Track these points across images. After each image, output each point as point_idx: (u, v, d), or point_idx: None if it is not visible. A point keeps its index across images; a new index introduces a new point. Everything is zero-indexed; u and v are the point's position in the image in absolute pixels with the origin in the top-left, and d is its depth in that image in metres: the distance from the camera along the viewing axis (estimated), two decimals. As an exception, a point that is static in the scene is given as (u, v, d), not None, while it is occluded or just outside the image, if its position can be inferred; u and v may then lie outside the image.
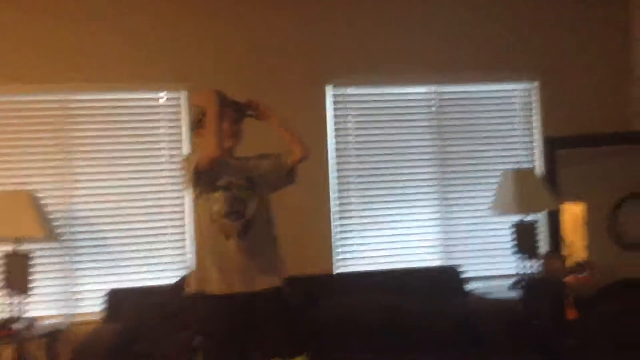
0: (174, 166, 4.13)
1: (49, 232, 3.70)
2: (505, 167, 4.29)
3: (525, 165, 4.43)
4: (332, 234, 4.27)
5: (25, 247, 3.69)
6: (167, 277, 4.02)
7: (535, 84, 4.52)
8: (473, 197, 4.44)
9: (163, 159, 4.15)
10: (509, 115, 4.56)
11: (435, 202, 4.43)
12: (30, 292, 3.65)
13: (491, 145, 4.51)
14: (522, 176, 4.14)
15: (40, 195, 3.80)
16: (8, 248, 3.65)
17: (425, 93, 4.47)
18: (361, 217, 4.35)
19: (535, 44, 4.53)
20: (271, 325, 2.64)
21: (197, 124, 2.72)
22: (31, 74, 3.97)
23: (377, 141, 4.39)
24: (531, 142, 4.54)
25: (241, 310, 2.62)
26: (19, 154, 3.97)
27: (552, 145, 4.46)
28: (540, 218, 4.40)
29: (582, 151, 4.45)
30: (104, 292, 3.80)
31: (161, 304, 3.63)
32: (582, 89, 4.53)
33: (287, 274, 2.75)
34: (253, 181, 2.73)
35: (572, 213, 4.50)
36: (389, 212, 4.37)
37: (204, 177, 2.65)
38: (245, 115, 2.80)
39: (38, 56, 3.99)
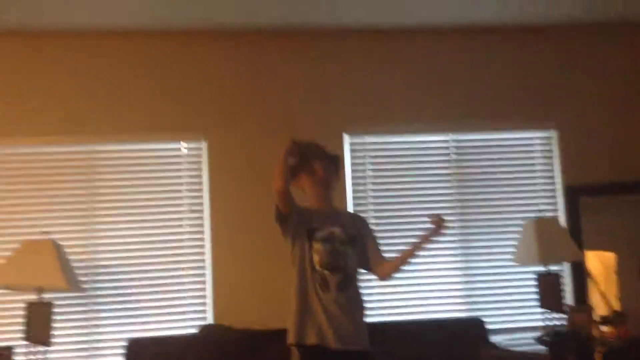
0: (195, 215, 4.17)
1: (72, 281, 3.72)
2: (527, 216, 4.24)
3: (547, 214, 4.38)
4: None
5: (47, 296, 3.72)
6: (187, 326, 4.01)
7: (555, 132, 4.51)
8: (494, 246, 4.39)
9: (184, 208, 4.19)
10: (529, 163, 4.53)
11: (456, 252, 4.38)
12: (52, 342, 3.66)
13: (512, 194, 4.47)
14: (544, 225, 4.06)
15: (63, 244, 3.85)
16: (31, 297, 3.69)
17: (443, 141, 4.49)
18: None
19: (554, 91, 4.53)
20: None
21: (290, 177, 2.80)
22: (57, 126, 4.09)
23: (394, 189, 4.39)
24: (553, 190, 4.50)
25: None
26: (44, 203, 4.05)
27: (575, 194, 4.41)
28: (564, 268, 4.32)
29: (606, 199, 4.40)
30: (124, 342, 3.80)
31: (181, 354, 3.62)
32: (604, 137, 4.49)
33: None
34: (354, 239, 2.82)
35: (602, 262, 4.41)
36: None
37: (291, 223, 2.74)
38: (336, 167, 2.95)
39: (63, 109, 4.11)
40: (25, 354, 3.60)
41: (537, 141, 4.56)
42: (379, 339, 3.75)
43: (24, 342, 3.59)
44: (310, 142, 2.91)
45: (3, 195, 4.03)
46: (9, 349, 3.45)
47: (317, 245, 2.73)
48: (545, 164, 4.53)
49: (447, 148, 4.48)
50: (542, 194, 4.50)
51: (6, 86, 4.09)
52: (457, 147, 4.48)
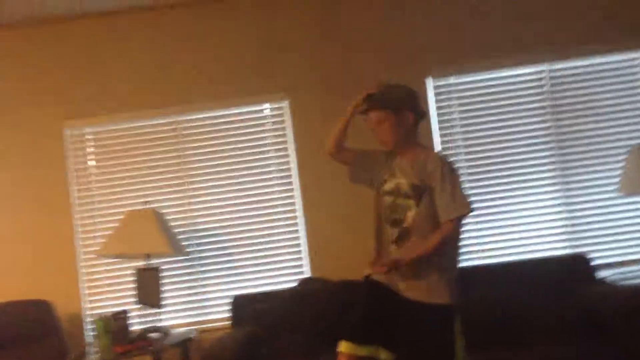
0: (283, 174, 4.24)
1: (175, 246, 3.92)
2: (632, 144, 3.96)
3: (655, 139, 4.07)
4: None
5: (155, 261, 3.95)
6: (285, 281, 4.14)
7: (659, 48, 4.15)
8: (597, 179, 4.15)
9: (273, 168, 4.26)
10: (631, 87, 4.20)
11: (556, 187, 4.18)
12: (163, 304, 3.89)
13: (614, 121, 4.18)
14: (651, 151, 3.81)
15: (164, 212, 4.05)
16: (139, 264, 3.92)
17: (536, 72, 4.24)
18: (478, 208, 4.18)
19: (654, 5, 4.15)
20: (416, 337, 2.55)
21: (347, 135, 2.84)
22: (146, 100, 4.25)
23: (485, 129, 4.22)
24: (659, 112, 4.17)
25: (389, 300, 2.60)
26: (143, 175, 4.26)
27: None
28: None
29: None
30: (229, 299, 3.98)
31: (283, 308, 3.74)
32: None
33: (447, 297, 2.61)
34: (421, 191, 2.62)
35: None
36: (506, 201, 4.19)
37: (358, 177, 2.83)
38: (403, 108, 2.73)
39: (149, 83, 4.26)
40: (139, 316, 3.86)
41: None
42: (478, 283, 3.77)
43: (137, 306, 3.86)
44: (395, 88, 2.78)
45: (104, 171, 4.28)
46: (124, 312, 3.70)
47: (383, 199, 2.70)
48: (651, 85, 4.19)
49: (540, 79, 4.23)
50: (649, 117, 4.18)
51: (91, 69, 4.28)
52: (552, 78, 4.22)
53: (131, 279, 3.94)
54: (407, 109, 2.72)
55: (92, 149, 4.31)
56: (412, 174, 2.66)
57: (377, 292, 2.63)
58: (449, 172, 2.60)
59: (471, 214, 2.59)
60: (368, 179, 2.82)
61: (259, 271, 4.21)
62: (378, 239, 2.75)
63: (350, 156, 2.84)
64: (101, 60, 4.28)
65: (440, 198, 2.57)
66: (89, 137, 4.31)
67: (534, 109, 4.23)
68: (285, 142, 4.25)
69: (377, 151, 2.82)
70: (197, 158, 4.28)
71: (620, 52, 4.20)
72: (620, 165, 3.98)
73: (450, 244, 2.64)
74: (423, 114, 2.79)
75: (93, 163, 4.30)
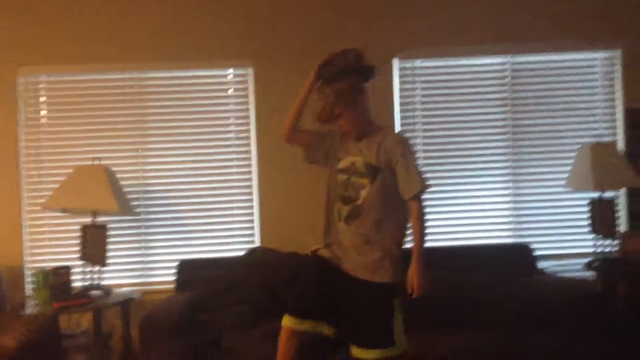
0: (242, 142, 4.20)
1: (124, 205, 3.85)
2: (584, 141, 4.07)
3: (605, 139, 4.18)
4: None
5: (102, 219, 3.87)
6: (235, 249, 4.12)
7: (618, 51, 4.25)
8: (547, 172, 4.26)
9: (232, 135, 4.22)
10: (589, 86, 4.31)
11: (508, 177, 4.28)
12: (107, 262, 3.83)
13: (569, 118, 4.28)
14: (601, 150, 3.92)
15: (115, 169, 3.97)
16: (86, 220, 3.85)
17: (500, 64, 4.30)
18: (431, 192, 4.22)
19: (618, 8, 4.23)
20: (359, 313, 2.60)
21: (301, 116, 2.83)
22: (105, 53, 4.12)
23: (445, 115, 4.28)
24: (613, 114, 4.28)
25: (332, 276, 2.64)
26: (95, 130, 4.15)
27: (636, 118, 4.18)
28: (619, 194, 4.16)
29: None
30: (175, 263, 3.94)
31: (228, 276, 3.74)
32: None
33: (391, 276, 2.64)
34: (374, 169, 2.65)
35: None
36: (459, 187, 4.27)
37: (314, 157, 2.83)
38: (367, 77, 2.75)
39: (111, 36, 4.13)
40: (83, 273, 3.79)
41: (599, 62, 4.31)
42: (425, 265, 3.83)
43: (81, 263, 3.79)
44: (343, 54, 2.77)
45: (55, 122, 4.16)
46: (66, 268, 3.64)
47: (337, 176, 2.71)
48: (606, 86, 4.29)
49: (503, 71, 4.29)
50: (601, 117, 4.29)
51: (53, 12, 4.12)
52: (513, 70, 4.29)
53: (77, 235, 3.86)
54: (355, 73, 2.74)
55: (45, 99, 4.18)
56: (368, 153, 2.67)
57: (322, 268, 2.66)
58: (408, 151, 2.65)
59: (428, 190, 2.65)
60: (323, 158, 2.82)
61: (209, 237, 4.19)
62: (327, 216, 2.76)
63: (304, 138, 2.83)
64: (64, 7, 4.12)
65: (401, 176, 2.62)
66: (43, 85, 4.17)
67: (494, 99, 4.30)
68: (247, 109, 4.20)
69: (331, 130, 2.82)
70: (154, 118, 4.20)
71: (581, 52, 4.30)
72: (570, 161, 4.08)
73: (394, 224, 2.67)
74: (372, 70, 2.78)
75: (45, 113, 4.17)
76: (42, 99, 4.17)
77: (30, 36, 4.09)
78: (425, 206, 2.65)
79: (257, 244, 4.14)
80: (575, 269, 3.88)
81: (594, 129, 4.26)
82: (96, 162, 3.91)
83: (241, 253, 3.98)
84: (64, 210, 3.91)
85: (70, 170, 3.86)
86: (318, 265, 2.68)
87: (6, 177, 4.05)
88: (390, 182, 2.64)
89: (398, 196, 2.64)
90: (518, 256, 3.96)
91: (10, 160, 4.06)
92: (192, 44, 4.16)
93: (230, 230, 4.20)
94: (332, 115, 2.69)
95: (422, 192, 2.62)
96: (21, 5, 4.10)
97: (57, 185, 3.87)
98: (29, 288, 3.99)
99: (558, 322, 3.38)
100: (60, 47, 4.11)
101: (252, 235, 4.19)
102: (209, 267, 3.88)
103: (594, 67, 4.32)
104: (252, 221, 4.19)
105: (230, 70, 4.23)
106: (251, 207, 4.19)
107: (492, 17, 4.23)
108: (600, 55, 4.29)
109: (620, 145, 4.22)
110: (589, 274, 3.79)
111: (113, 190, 3.78)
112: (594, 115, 4.30)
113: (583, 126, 4.28)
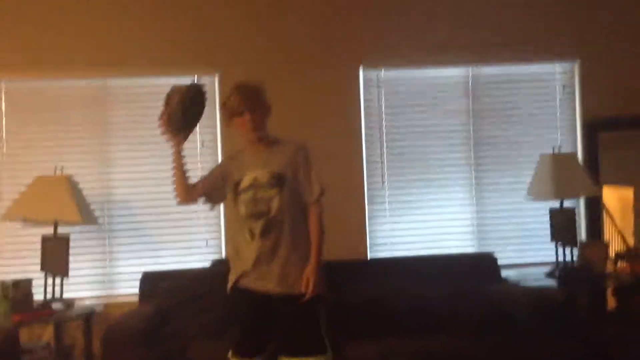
0: (209, 151, 4.17)
1: (87, 216, 3.79)
2: (544, 152, 4.16)
3: (565, 149, 4.28)
4: (367, 219, 4.25)
5: (64, 230, 3.80)
6: (200, 260, 4.08)
7: (576, 64, 4.37)
8: (509, 182, 4.34)
9: (199, 144, 4.18)
10: (548, 98, 4.41)
11: (470, 187, 4.34)
12: (69, 274, 3.76)
13: (529, 129, 4.38)
14: (561, 160, 4.02)
15: (78, 180, 3.90)
16: (48, 231, 3.77)
17: (462, 76, 4.37)
18: (394, 202, 4.31)
19: (575, 22, 4.36)
20: (289, 326, 2.62)
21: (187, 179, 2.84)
22: (68, 59, 4.06)
23: (409, 125, 4.33)
24: (572, 125, 4.39)
25: (261, 307, 2.65)
26: (58, 139, 4.08)
27: (594, 128, 4.31)
28: (579, 204, 4.27)
29: (626, 134, 4.29)
30: (139, 274, 3.88)
31: (193, 288, 3.70)
32: (626, 69, 4.33)
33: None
34: (281, 178, 2.66)
35: (619, 198, 4.34)
36: (422, 197, 4.32)
37: (217, 199, 2.83)
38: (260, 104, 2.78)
39: (75, 42, 4.07)
40: (44, 285, 3.71)
41: (558, 75, 4.42)
42: (388, 275, 3.86)
43: (42, 275, 3.71)
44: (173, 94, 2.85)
45: (16, 130, 4.07)
46: (28, 281, 3.56)
47: (241, 197, 2.68)
48: (565, 98, 4.40)
49: (465, 82, 4.36)
50: (561, 128, 4.39)
51: (12, 17, 4.04)
52: (475, 82, 4.37)
53: (38, 246, 3.78)
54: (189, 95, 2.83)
55: (4, 106, 4.08)
56: (272, 163, 2.69)
57: (248, 303, 2.67)
58: (309, 157, 2.73)
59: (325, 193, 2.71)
60: (222, 194, 2.78)
61: (174, 248, 4.14)
62: (236, 244, 2.72)
63: (204, 186, 2.80)
64: (23, 12, 4.05)
65: (304, 181, 2.70)
66: (4, 91, 4.08)
67: (456, 110, 4.37)
68: (214, 117, 4.17)
69: (220, 164, 2.89)
70: (118, 126, 4.14)
71: (541, 63, 4.40)
72: (530, 171, 4.17)
73: (307, 229, 2.70)
74: (199, 86, 2.86)
75: (5, 121, 4.07)
76: (2, 104, 4.07)
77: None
78: (323, 209, 2.73)
79: (222, 255, 4.11)
80: (536, 278, 3.96)
81: (554, 139, 4.35)
82: (58, 172, 3.84)
83: (206, 264, 3.95)
84: (24, 221, 3.83)
85: (31, 180, 3.78)
86: (244, 300, 2.68)
87: (-36, 187, 3.94)
88: (295, 188, 2.69)
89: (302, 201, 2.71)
90: (481, 265, 4.02)
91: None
92: (157, 51, 4.13)
93: (195, 241, 4.16)
94: (230, 123, 2.80)
95: (322, 195, 2.71)
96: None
97: (17, 196, 3.79)
98: (-13, 301, 3.88)
99: (521, 329, 3.44)
100: (20, 53, 4.03)
101: (218, 246, 4.15)
102: (172, 279, 3.83)
103: (554, 79, 4.43)
104: (218, 231, 4.16)
105: (195, 77, 4.20)
106: (217, 217, 4.16)
107: (455, 28, 4.31)
108: (559, 67, 4.41)
109: (579, 155, 4.33)
110: (551, 282, 3.87)
111: (75, 199, 3.72)
112: (554, 126, 4.40)
113: (543, 136, 4.37)
